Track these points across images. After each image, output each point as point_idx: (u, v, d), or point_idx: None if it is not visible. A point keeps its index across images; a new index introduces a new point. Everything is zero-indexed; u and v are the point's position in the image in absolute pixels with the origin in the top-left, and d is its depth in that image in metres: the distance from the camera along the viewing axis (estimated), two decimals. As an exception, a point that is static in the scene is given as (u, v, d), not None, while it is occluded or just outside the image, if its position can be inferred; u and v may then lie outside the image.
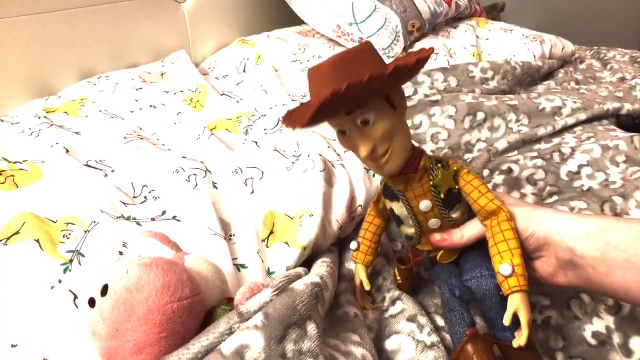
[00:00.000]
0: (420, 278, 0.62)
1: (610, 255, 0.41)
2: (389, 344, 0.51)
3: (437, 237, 0.49)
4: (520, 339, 0.42)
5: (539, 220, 0.46)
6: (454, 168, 0.47)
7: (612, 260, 0.41)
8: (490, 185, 0.71)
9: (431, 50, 0.42)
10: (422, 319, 0.52)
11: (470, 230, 0.48)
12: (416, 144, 0.50)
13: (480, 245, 0.48)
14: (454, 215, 0.48)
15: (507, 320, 0.42)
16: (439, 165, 0.47)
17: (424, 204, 0.47)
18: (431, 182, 0.46)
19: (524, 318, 0.41)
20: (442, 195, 0.47)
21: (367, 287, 0.55)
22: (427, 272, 0.54)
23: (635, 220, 0.42)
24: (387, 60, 1.17)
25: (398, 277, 0.57)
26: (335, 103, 0.38)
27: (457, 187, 0.47)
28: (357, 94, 0.38)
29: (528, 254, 0.47)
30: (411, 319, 0.53)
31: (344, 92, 0.36)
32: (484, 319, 0.47)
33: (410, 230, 0.50)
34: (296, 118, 0.43)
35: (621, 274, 0.41)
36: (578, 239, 0.43)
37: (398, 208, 0.49)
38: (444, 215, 0.48)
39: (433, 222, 0.48)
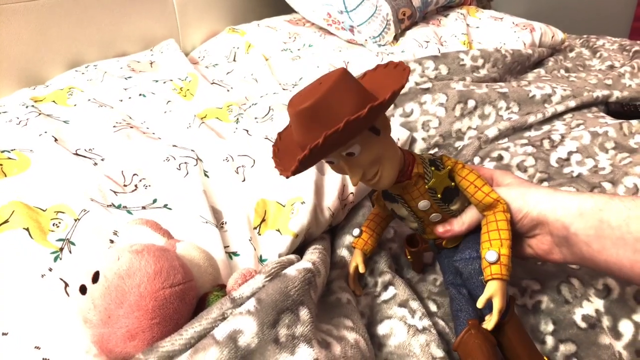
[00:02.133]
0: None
1: (604, 233, 0.42)
2: (381, 329, 0.52)
3: (440, 229, 0.51)
4: (489, 324, 0.43)
5: (532, 201, 0.47)
6: (449, 166, 0.48)
7: (606, 238, 0.42)
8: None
9: (407, 71, 0.41)
10: (414, 304, 0.53)
11: (470, 217, 0.50)
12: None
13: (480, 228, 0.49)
14: (454, 207, 0.50)
15: (480, 303, 0.43)
16: (432, 168, 0.47)
17: (423, 204, 0.48)
18: (427, 186, 0.47)
19: (497, 306, 0.43)
20: (439, 196, 0.48)
21: (362, 270, 0.56)
22: (436, 256, 0.56)
23: (628, 198, 0.43)
24: (377, 50, 1.17)
25: (409, 257, 0.59)
26: (317, 153, 0.38)
27: (453, 184, 0.48)
28: (336, 139, 0.38)
29: (523, 233, 0.49)
30: (403, 304, 0.53)
31: (322, 144, 0.36)
32: (472, 298, 0.48)
33: (414, 225, 0.52)
34: (283, 169, 0.43)
35: (614, 251, 0.41)
36: (572, 217, 0.44)
37: (398, 209, 0.51)
38: (444, 209, 0.49)
39: (434, 217, 0.50)
